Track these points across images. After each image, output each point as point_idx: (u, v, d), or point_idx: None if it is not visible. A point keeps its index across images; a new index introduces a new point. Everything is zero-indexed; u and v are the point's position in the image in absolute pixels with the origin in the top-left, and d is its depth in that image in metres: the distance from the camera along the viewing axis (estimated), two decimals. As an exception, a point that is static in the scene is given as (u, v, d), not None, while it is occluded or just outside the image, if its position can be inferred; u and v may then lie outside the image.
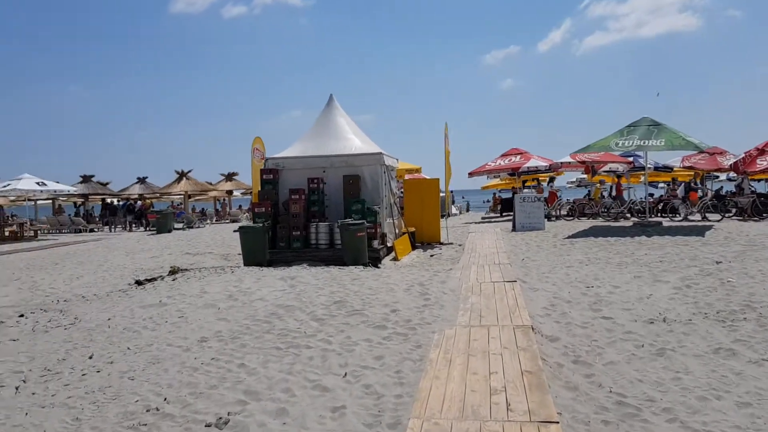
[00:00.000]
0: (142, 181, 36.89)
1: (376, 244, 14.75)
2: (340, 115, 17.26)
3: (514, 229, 20.86)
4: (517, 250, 15.37)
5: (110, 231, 31.15)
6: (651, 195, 37.07)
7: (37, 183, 26.70)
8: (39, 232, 29.68)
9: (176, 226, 30.93)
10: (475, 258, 13.67)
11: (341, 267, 12.81)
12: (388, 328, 7.16)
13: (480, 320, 7.44)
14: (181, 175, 34.12)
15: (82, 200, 35.54)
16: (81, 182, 32.61)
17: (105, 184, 40.63)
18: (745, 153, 23.61)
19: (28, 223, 29.48)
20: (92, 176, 33.09)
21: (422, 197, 18.15)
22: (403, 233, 17.32)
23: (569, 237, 17.52)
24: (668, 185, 32.56)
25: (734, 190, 28.55)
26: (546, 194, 29.18)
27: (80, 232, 30.18)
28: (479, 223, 26.97)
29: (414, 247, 17.13)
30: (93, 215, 35.30)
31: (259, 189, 16.13)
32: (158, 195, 38.88)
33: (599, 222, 22.81)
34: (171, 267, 13.39)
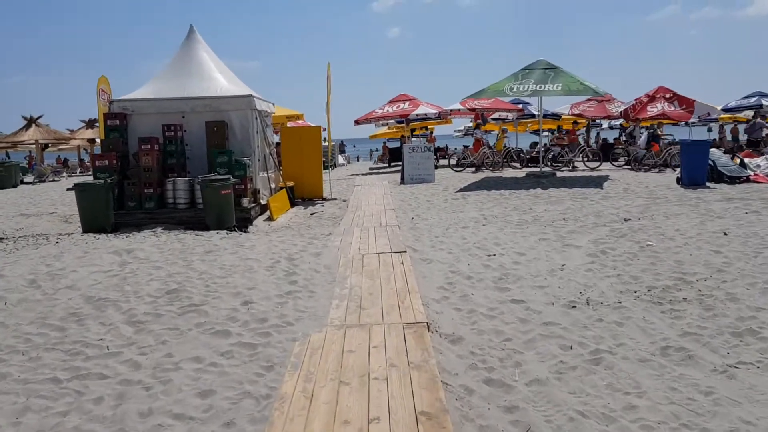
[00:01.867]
0: (-16, 128, 32.19)
1: (246, 202, 12.57)
2: (203, 50, 14.66)
3: (402, 181, 19.22)
4: (406, 206, 13.69)
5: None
6: (535, 144, 36.81)
7: None
8: None
9: (27, 179, 27.08)
10: (360, 218, 11.84)
11: (200, 233, 10.59)
12: (231, 335, 5.16)
13: (360, 314, 5.59)
14: (30, 121, 29.82)
15: None
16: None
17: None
18: (635, 100, 23.08)
19: None
20: None
21: (302, 147, 16.00)
22: (281, 188, 15.21)
23: (461, 190, 16.06)
24: (552, 133, 32.13)
25: (623, 137, 28.35)
26: (469, 143, 27.54)
27: None
28: (366, 174, 25.16)
29: (293, 204, 15.08)
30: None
31: (103, 138, 13.42)
32: (9, 144, 34.23)
33: (490, 173, 21.60)
34: (-28, 238, 10.63)
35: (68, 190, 12.19)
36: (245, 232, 11.08)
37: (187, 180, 12.49)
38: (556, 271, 7.28)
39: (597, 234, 9.35)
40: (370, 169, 29.64)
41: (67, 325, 5.54)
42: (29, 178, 27.22)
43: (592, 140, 33.00)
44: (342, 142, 46.33)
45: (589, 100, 26.62)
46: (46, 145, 35.96)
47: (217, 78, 14.10)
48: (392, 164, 30.43)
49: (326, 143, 21.77)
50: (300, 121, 26.52)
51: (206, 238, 9.81)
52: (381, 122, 28.10)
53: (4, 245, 9.79)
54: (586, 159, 22.36)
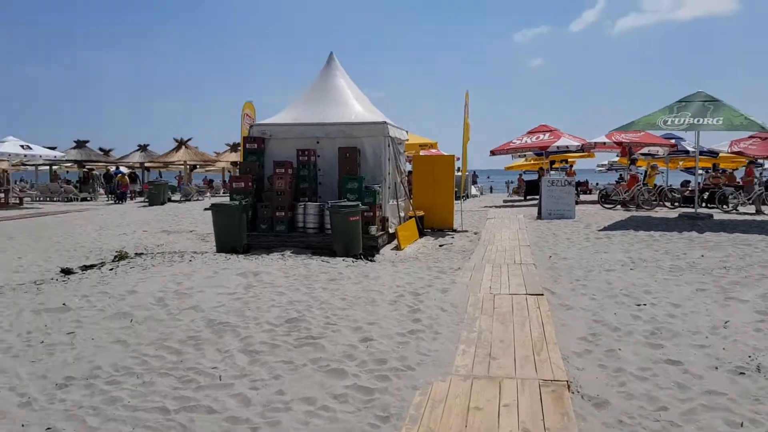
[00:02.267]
0: (143, 148, 34.70)
1: (373, 230, 12.33)
2: (341, 76, 14.74)
3: (539, 216, 18.27)
4: (543, 243, 12.83)
5: (92, 200, 29.07)
6: (687, 182, 34.10)
7: (22, 146, 24.63)
8: (27, 199, 27.70)
9: (174, 197, 28.78)
10: (492, 253, 11.18)
11: (326, 259, 10.41)
12: (347, 375, 4.74)
13: (489, 365, 4.99)
14: (180, 143, 31.85)
15: (76, 167, 33.43)
16: (74, 147, 30.51)
17: (107, 152, 38.64)
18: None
19: (17, 189, 27.48)
20: (87, 141, 30.94)
21: (434, 176, 15.61)
22: (410, 217, 14.87)
23: (605, 229, 14.91)
24: (707, 171, 29.62)
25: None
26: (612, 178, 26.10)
27: (70, 201, 28.13)
28: (500, 207, 24.35)
29: (422, 234, 14.67)
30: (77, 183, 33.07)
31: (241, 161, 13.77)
32: (162, 164, 36.78)
33: (638, 212, 20.09)
34: (119, 251, 11.09)
35: (205, 210, 12.53)
36: (371, 260, 10.79)
37: (318, 205, 12.47)
38: (718, 329, 6.27)
39: (766, 287, 8.11)
40: (504, 201, 28.77)
41: (184, 348, 5.37)
42: (177, 197, 28.89)
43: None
44: (474, 172, 45.64)
45: (752, 137, 24.25)
46: (194, 166, 38.26)
47: (353, 104, 14.08)
48: (528, 197, 29.36)
49: (459, 173, 21.29)
50: (434, 150, 26.26)
51: (331, 265, 9.58)
52: (518, 154, 27.23)
53: (142, 260, 10.09)
54: (762, 204, 20.08)
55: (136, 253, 11.27)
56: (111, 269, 9.30)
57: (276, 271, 8.73)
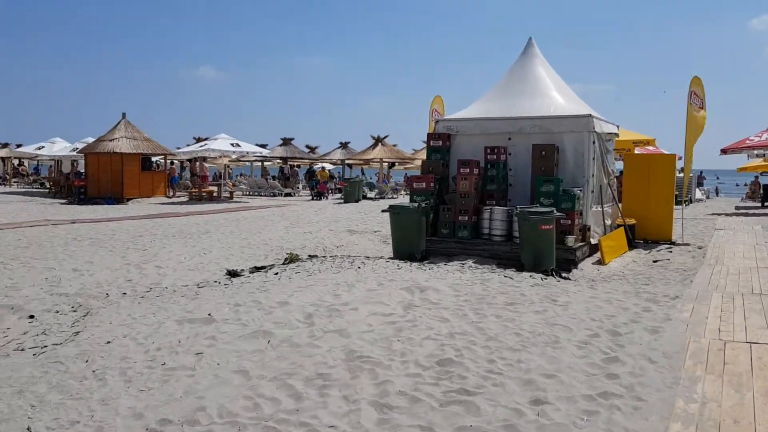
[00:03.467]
0: (344, 146, 35.47)
1: (571, 241, 10.60)
2: (540, 64, 13.08)
3: (783, 228, 15.01)
4: (791, 265, 10.18)
5: (294, 196, 30.06)
6: None
7: (231, 144, 26.14)
8: (238, 193, 29.49)
9: (370, 195, 28.84)
10: (721, 276, 8.95)
11: (510, 274, 8.99)
12: (501, 465, 3.38)
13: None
14: (377, 140, 31.92)
15: (281, 163, 35.01)
16: (281, 145, 31.95)
17: (313, 149, 40.24)
18: None
19: (231, 184, 29.34)
20: (292, 139, 32.25)
21: (649, 178, 13.33)
22: (618, 226, 12.83)
23: None
24: None
25: None
26: None
27: (275, 196, 29.41)
28: (731, 215, 20.75)
29: (631, 246, 12.56)
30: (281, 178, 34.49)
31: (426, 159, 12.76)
32: (362, 162, 37.39)
33: None
34: (290, 253, 10.58)
35: (383, 211, 11.69)
36: (564, 278, 9.13)
37: (506, 210, 11.04)
38: None
39: None
40: (737, 208, 24.73)
41: (308, 391, 4.37)
42: (372, 194, 28.93)
43: None
44: (701, 173, 40.59)
45: None
46: (392, 164, 38.39)
47: (552, 96, 12.39)
48: (766, 204, 25.03)
49: (681, 174, 18.46)
50: (650, 148, 23.25)
51: (514, 283, 8.13)
52: (756, 152, 23.18)
53: (311, 264, 9.46)
54: None
55: (309, 255, 10.74)
56: (276, 273, 8.75)
57: (446, 288, 7.51)
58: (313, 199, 27.27)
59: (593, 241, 11.58)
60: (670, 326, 6.02)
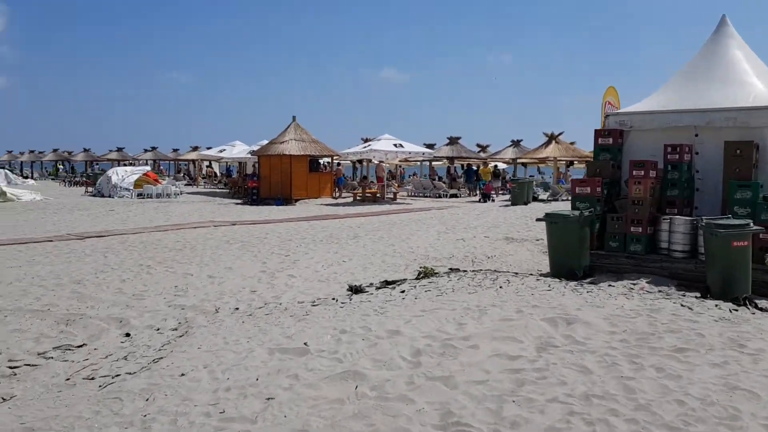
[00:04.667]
0: (515, 144, 33.76)
1: (774, 261, 8.51)
2: (737, 47, 10.86)
3: None
4: None
5: (459, 197, 28.88)
6: None
7: (394, 144, 25.73)
8: (402, 194, 29.05)
9: (542, 196, 26.99)
10: None
11: (690, 302, 7.28)
12: None
13: None
14: (550, 138, 29.79)
15: (446, 163, 34.02)
16: (447, 144, 31.02)
17: (484, 147, 38.92)
18: None
19: (396, 185, 28.99)
20: (459, 138, 31.16)
21: None
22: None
23: None
24: None
25: None
26: None
27: (440, 197, 28.55)
28: None
29: None
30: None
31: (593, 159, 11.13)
32: (537, 161, 35.45)
33: None
34: (423, 267, 9.56)
35: (538, 220, 10.28)
36: (762, 310, 7.20)
37: (690, 220, 9.16)
38: None
39: None
40: None
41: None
42: (544, 196, 27.04)
43: None
44: None
45: None
46: (570, 162, 35.92)
47: (752, 83, 10.19)
48: None
49: None
50: None
51: (692, 317, 6.46)
52: None
53: (446, 281, 8.39)
54: None
55: (450, 269, 9.67)
56: (403, 291, 7.80)
57: (600, 320, 6.07)
58: (479, 201, 26.04)
59: (807, 261, 9.27)
60: None
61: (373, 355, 5.11)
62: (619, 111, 11.10)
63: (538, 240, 13.85)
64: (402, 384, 4.50)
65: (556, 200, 25.98)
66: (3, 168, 49.79)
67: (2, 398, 4.79)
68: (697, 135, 9.93)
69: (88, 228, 16.31)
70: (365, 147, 26.65)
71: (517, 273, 9.25)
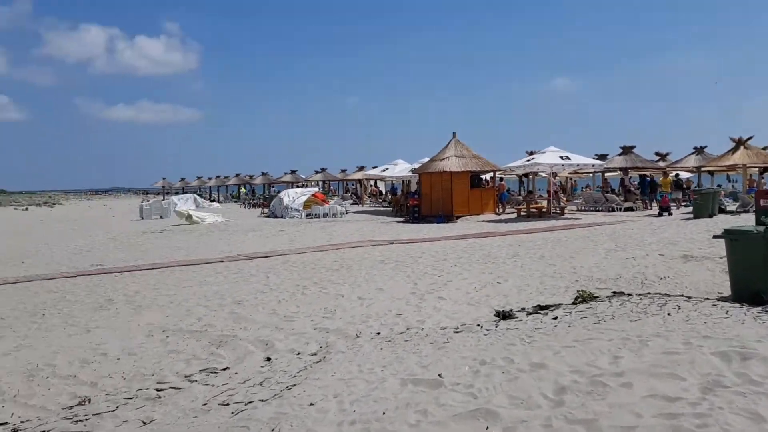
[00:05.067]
0: (699, 150, 30.88)
1: None
2: None
3: None
4: None
5: (636, 210, 26.77)
6: None
7: (561, 157, 24.55)
8: (572, 208, 27.66)
9: (730, 208, 24.42)
10: None
11: None
12: None
13: None
14: (738, 143, 26.74)
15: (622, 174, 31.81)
16: (620, 154, 29.02)
17: (664, 156, 36.08)
18: None
19: (564, 199, 27.67)
20: (633, 147, 29.00)
21: None
22: None
23: None
24: None
25: None
26: None
27: (612, 211, 26.77)
28: None
29: None
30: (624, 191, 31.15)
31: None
32: (724, 168, 32.16)
33: None
34: (581, 291, 8.76)
35: (715, 237, 9.12)
36: None
37: None
38: None
39: None
40: None
41: None
42: (733, 207, 24.41)
43: None
44: None
45: None
46: (766, 169, 32.17)
47: None
48: None
49: None
50: None
51: None
52: None
53: (606, 306, 7.63)
54: None
55: (613, 292, 8.84)
56: (555, 318, 7.18)
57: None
58: (659, 214, 24.05)
59: None
60: None
61: (512, 390, 4.66)
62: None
63: (721, 258, 12.37)
64: (538, 426, 4.02)
65: (747, 212, 23.32)
66: (194, 193, 54.92)
67: (143, 421, 5.00)
68: None
69: (257, 248, 17.25)
70: (528, 160, 25.77)
71: (690, 297, 8.22)
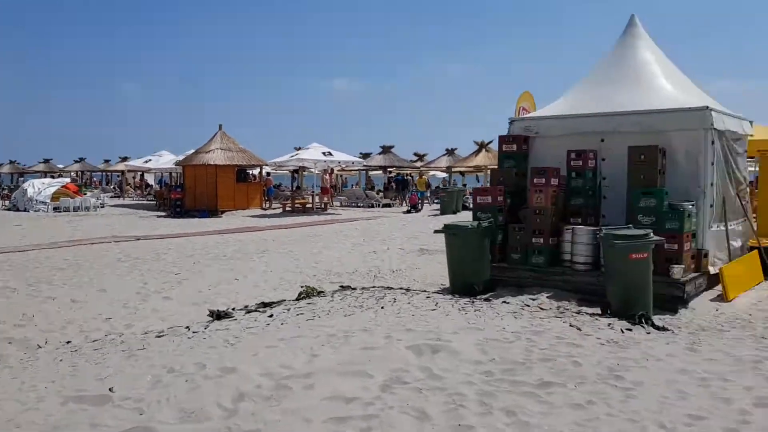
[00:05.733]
0: (450, 152, 33.33)
1: (677, 272, 8.00)
2: (647, 48, 10.46)
3: None
4: None
5: (394, 207, 28.24)
6: None
7: (323, 153, 24.96)
8: (336, 204, 28.27)
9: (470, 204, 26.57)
10: None
11: (583, 319, 6.72)
12: None
13: None
14: (480, 146, 29.46)
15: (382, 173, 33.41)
16: (380, 153, 30.41)
17: (422, 156, 38.44)
18: None
19: (328, 195, 28.10)
20: (391, 147, 30.55)
21: (794, 187, 10.33)
22: (751, 248, 9.96)
23: None
24: None
25: None
26: None
27: (372, 207, 27.85)
28: None
29: (768, 275, 9.68)
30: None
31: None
32: (471, 169, 35.09)
33: None
34: (304, 286, 8.77)
35: (436, 232, 9.63)
36: (659, 328, 6.63)
37: (592, 231, 8.60)
38: None
39: None
40: None
41: None
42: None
43: None
44: None
45: None
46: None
47: (660, 85, 9.79)
48: None
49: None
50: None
51: (577, 339, 5.85)
52: None
53: (326, 302, 7.60)
54: None
55: (341, 286, 8.93)
56: (270, 315, 6.97)
57: (471, 348, 5.39)
58: (408, 211, 25.40)
59: (713, 270, 8.86)
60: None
61: (186, 402, 4.28)
62: (524, 116, 10.58)
63: (454, 251, 13.26)
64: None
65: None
66: None
67: None
68: (603, 140, 9.44)
69: (-26, 245, 15.01)
70: (292, 155, 25.78)
71: (409, 290, 8.54)
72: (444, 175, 38.24)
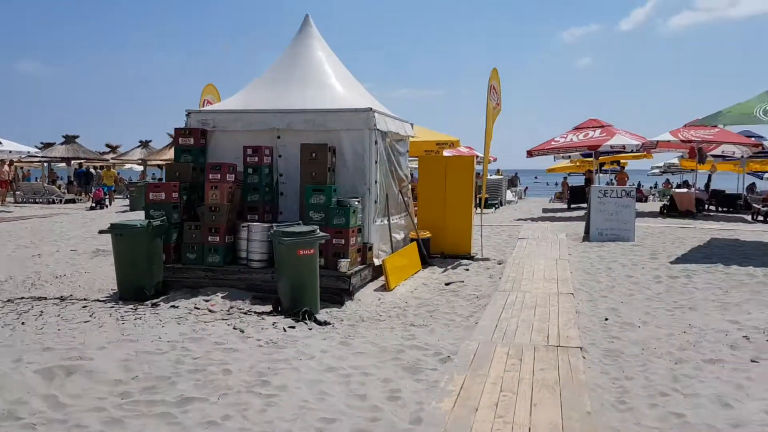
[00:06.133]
0: (144, 144, 31.46)
1: (344, 265, 8.39)
2: (319, 47, 10.82)
3: (587, 236, 14.05)
4: (593, 285, 8.78)
5: (78, 203, 25.75)
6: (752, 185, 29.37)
7: (-7, 142, 21.60)
8: (10, 200, 24.68)
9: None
10: (514, 311, 7.16)
11: (249, 321, 6.63)
12: None
13: None
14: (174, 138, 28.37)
15: (65, 164, 30.24)
16: (63, 143, 27.41)
17: (114, 148, 35.66)
18: None
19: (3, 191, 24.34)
20: (76, 137, 27.76)
21: (446, 183, 11.62)
22: (412, 240, 10.95)
23: (680, 260, 10.68)
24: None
25: None
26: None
27: (53, 203, 24.91)
28: (538, 219, 19.82)
29: (426, 263, 10.73)
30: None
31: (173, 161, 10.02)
32: (164, 162, 33.52)
33: (719, 233, 15.66)
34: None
35: (101, 233, 8.80)
36: (321, 323, 6.86)
37: (266, 227, 8.60)
38: None
39: None
40: (544, 211, 24.32)
41: None
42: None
43: None
44: (516, 174, 41.33)
45: None
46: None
47: (332, 86, 10.19)
48: (572, 206, 24.96)
49: (485, 177, 17.18)
50: (463, 149, 22.06)
51: (236, 343, 5.72)
52: (562, 154, 22.79)
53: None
54: None
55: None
56: None
57: (112, 365, 4.89)
58: (93, 207, 23.22)
59: (377, 262, 9.52)
60: (429, 418, 3.87)
61: None
62: (201, 109, 10.21)
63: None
64: None
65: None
66: None
67: None
68: (279, 137, 9.52)
69: None
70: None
71: (64, 298, 7.64)
72: (140, 168, 35.98)
